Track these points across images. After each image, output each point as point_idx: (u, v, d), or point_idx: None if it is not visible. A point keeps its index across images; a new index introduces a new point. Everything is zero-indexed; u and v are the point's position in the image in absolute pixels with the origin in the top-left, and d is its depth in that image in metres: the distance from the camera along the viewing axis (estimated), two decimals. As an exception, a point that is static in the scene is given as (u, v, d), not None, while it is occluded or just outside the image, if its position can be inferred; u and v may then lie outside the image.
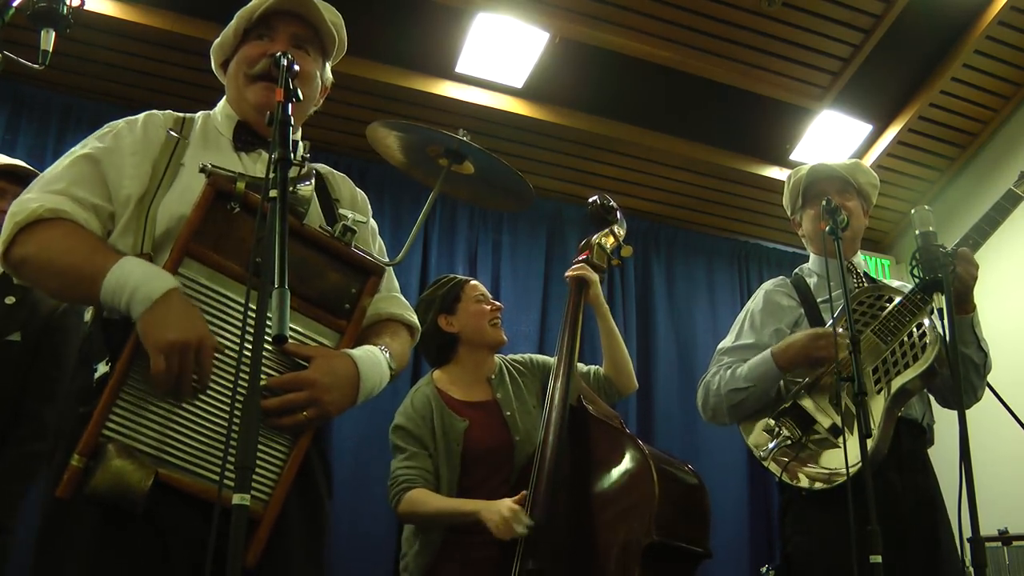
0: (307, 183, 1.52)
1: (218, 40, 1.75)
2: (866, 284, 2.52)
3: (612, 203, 2.74)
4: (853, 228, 2.49)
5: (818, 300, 2.46)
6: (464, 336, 2.61)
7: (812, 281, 2.53)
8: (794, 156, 5.01)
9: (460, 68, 4.32)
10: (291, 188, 1.41)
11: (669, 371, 4.90)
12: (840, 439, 2.19)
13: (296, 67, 1.42)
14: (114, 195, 1.52)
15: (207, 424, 1.40)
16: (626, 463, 2.25)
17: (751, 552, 4.65)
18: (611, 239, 2.69)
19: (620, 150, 4.82)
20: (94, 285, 1.38)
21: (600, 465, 2.31)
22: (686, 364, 4.96)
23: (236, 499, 1.04)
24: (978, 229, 2.33)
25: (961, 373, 2.28)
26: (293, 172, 1.39)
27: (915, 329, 2.26)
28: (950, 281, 2.13)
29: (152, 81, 4.13)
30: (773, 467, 2.28)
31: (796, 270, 2.66)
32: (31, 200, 1.47)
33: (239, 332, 1.32)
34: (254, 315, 1.15)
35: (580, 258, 2.65)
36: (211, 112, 1.73)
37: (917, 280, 2.23)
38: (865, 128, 4.96)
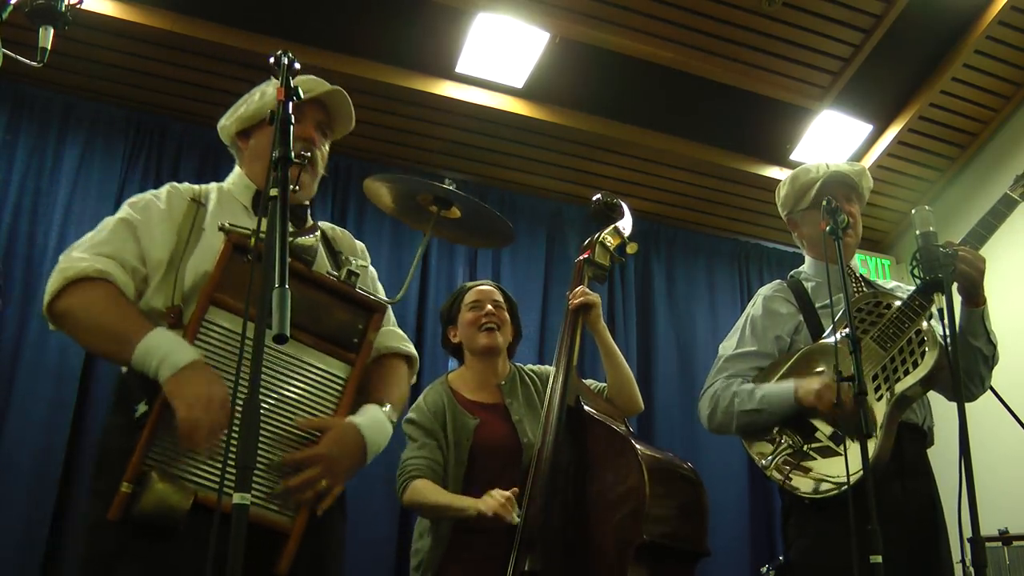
0: (311, 236, 1.77)
1: (241, 112, 1.93)
2: (864, 288, 2.51)
3: (617, 200, 2.73)
4: (856, 233, 2.50)
5: (817, 305, 2.45)
6: (464, 345, 2.68)
7: (810, 285, 2.52)
8: (794, 156, 5.01)
9: (460, 68, 4.32)
10: (294, 239, 1.67)
11: (669, 371, 4.90)
12: (841, 446, 2.19)
13: (297, 66, 1.45)
14: (147, 259, 1.72)
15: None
16: (620, 463, 2.25)
17: (751, 552, 4.65)
18: (615, 236, 2.67)
19: (620, 150, 4.82)
20: (125, 349, 1.58)
21: (595, 465, 2.31)
22: (686, 364, 4.96)
23: (237, 498, 1.04)
24: (974, 234, 2.32)
25: (970, 364, 2.30)
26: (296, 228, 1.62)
27: (914, 335, 2.25)
28: (950, 281, 2.13)
29: (152, 81, 4.13)
30: (775, 475, 2.28)
31: (792, 273, 2.64)
32: (81, 259, 1.68)
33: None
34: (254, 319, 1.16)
35: (582, 256, 2.64)
36: (222, 185, 1.92)
37: (918, 280, 2.22)
38: (865, 128, 4.96)
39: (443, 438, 2.52)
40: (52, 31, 1.86)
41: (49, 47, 1.86)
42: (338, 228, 2.04)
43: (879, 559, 1.78)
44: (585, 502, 2.28)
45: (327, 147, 1.97)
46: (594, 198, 2.74)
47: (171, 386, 1.52)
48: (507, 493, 2.21)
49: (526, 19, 4.14)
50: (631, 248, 2.69)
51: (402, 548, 3.88)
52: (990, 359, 2.35)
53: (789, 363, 2.37)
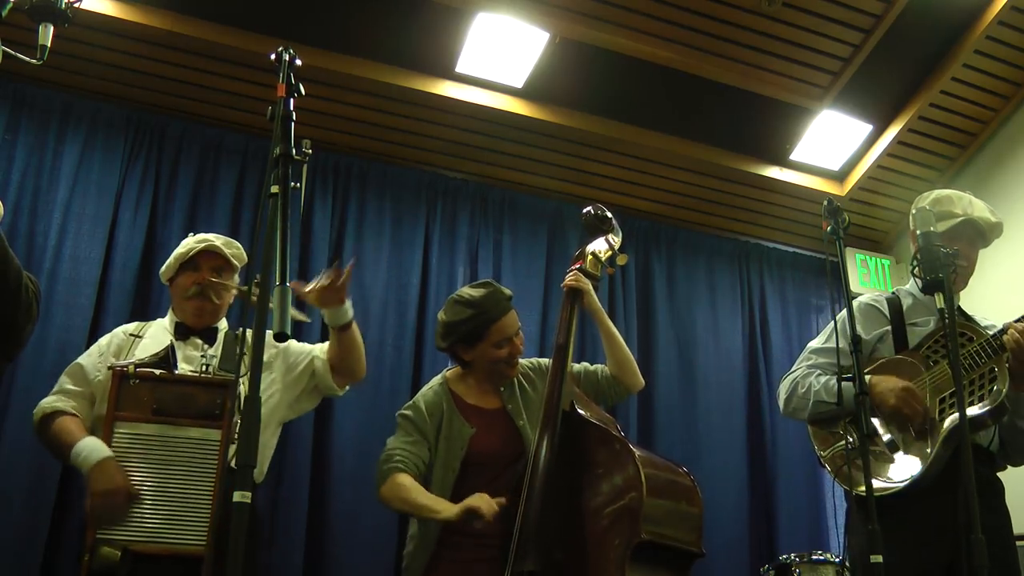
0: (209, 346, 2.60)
1: (165, 267, 2.72)
2: (957, 317, 2.56)
3: (607, 213, 2.78)
4: (964, 277, 2.57)
5: (908, 322, 2.54)
6: (476, 365, 2.65)
7: (907, 303, 2.60)
8: (794, 156, 5.01)
9: (460, 68, 4.32)
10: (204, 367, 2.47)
11: (669, 371, 4.90)
12: (896, 454, 2.32)
13: (298, 62, 1.45)
14: (92, 383, 2.51)
15: (160, 511, 2.28)
16: (617, 465, 2.28)
17: (751, 552, 4.65)
18: (605, 248, 2.72)
19: (620, 150, 4.82)
20: (66, 457, 2.34)
21: (591, 467, 2.34)
22: (686, 364, 4.96)
23: (237, 496, 1.05)
24: None
25: (1017, 440, 2.44)
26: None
27: (988, 372, 2.33)
28: (950, 281, 2.15)
29: (152, 81, 4.13)
30: (829, 468, 2.41)
31: (896, 288, 2.72)
32: (45, 401, 2.50)
33: (158, 458, 2.31)
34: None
35: (574, 267, 2.68)
36: (162, 319, 2.70)
37: (918, 280, 2.24)
38: (865, 128, 4.96)
39: (434, 442, 2.53)
40: (52, 28, 1.86)
41: (49, 44, 1.86)
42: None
43: (879, 559, 1.81)
44: (582, 502, 2.30)
45: (232, 279, 2.70)
46: (584, 211, 2.79)
47: (88, 482, 2.25)
48: (494, 505, 2.23)
49: (526, 19, 4.14)
50: (621, 259, 2.75)
51: (401, 550, 3.88)
52: None
53: (870, 368, 2.44)
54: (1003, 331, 2.32)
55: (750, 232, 5.45)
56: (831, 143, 4.98)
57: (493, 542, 2.29)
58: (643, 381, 2.81)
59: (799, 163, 5.08)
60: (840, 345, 2.48)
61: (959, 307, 2.62)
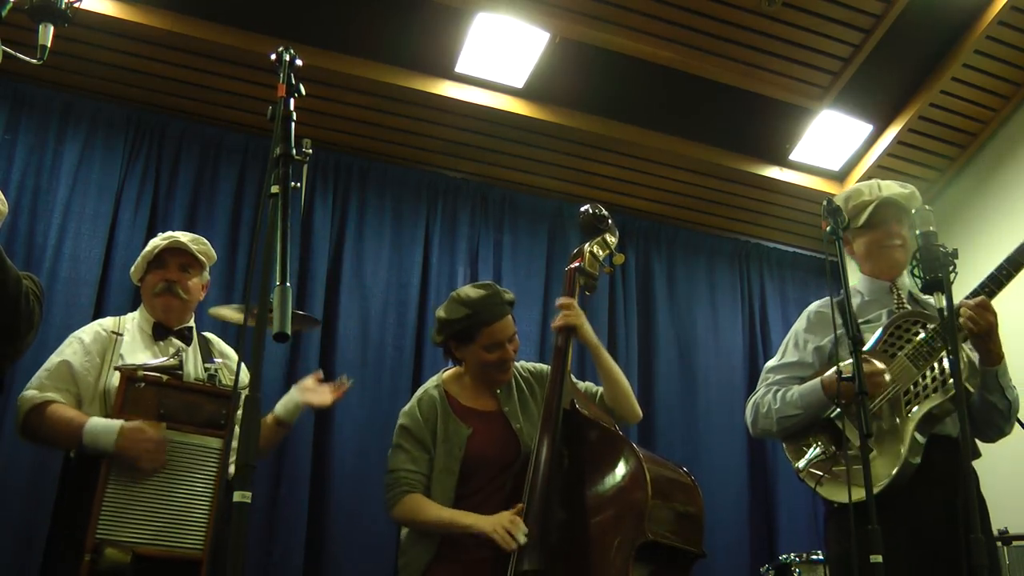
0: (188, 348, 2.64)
1: (134, 268, 2.75)
2: (907, 305, 2.57)
3: (604, 212, 2.78)
4: (907, 250, 2.57)
5: (860, 320, 2.51)
6: (468, 364, 2.64)
7: (856, 301, 2.60)
8: (794, 156, 5.01)
9: (460, 68, 4.32)
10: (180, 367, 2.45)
11: (669, 371, 4.90)
12: (870, 456, 2.27)
13: (298, 62, 1.44)
14: (80, 383, 2.49)
15: (162, 514, 2.28)
16: (620, 464, 2.28)
17: (751, 552, 4.65)
18: (603, 247, 2.72)
19: (620, 150, 4.82)
20: (76, 437, 2.31)
21: (594, 467, 2.33)
22: (686, 364, 4.96)
23: (237, 496, 1.05)
24: (994, 279, 2.37)
25: (985, 415, 2.42)
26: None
27: (945, 355, 2.32)
28: (950, 281, 2.15)
29: (152, 81, 4.13)
30: (808, 480, 2.38)
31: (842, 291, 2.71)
32: (32, 395, 2.45)
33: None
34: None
35: (573, 265, 2.66)
36: (136, 316, 2.71)
37: (918, 280, 2.24)
38: (865, 128, 4.96)
39: (433, 449, 2.52)
40: (52, 28, 1.86)
41: (49, 44, 1.86)
42: (212, 337, 2.84)
43: (879, 559, 1.82)
44: (584, 502, 2.30)
45: (206, 274, 2.78)
46: (582, 209, 2.78)
47: (120, 447, 2.24)
48: (515, 517, 2.24)
49: (526, 19, 4.14)
50: (618, 259, 2.76)
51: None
52: (1006, 412, 2.42)
53: (829, 372, 2.43)
54: (955, 313, 2.30)
55: (750, 232, 5.46)
56: (831, 143, 4.98)
57: (493, 541, 2.29)
58: (641, 413, 2.71)
59: (799, 163, 5.08)
60: (795, 359, 2.56)
61: (910, 291, 2.63)
